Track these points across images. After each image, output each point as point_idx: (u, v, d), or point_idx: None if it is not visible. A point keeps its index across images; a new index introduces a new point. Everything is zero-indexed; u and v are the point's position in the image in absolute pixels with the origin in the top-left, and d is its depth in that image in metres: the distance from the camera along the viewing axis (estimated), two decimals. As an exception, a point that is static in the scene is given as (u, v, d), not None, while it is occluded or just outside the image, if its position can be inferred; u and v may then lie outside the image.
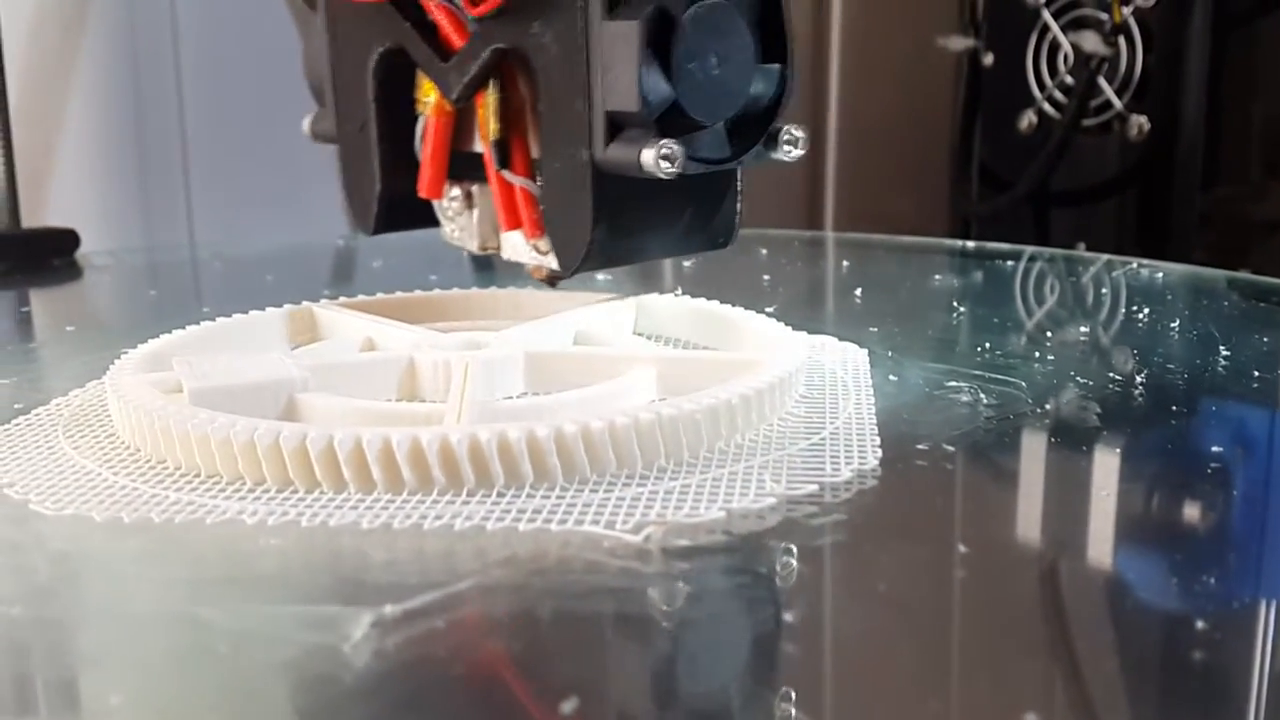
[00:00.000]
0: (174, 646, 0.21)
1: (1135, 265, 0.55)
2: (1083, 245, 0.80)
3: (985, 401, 0.33)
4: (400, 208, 0.37)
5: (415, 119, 0.35)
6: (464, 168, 0.35)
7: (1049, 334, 0.44)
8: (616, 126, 0.30)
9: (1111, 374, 0.37)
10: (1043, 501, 0.28)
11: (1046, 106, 0.83)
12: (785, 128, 0.32)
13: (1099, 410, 0.33)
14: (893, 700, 0.19)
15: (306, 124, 0.39)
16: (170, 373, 0.31)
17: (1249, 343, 0.41)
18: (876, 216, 0.96)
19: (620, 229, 0.32)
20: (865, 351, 0.37)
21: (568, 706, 0.18)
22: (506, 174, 0.33)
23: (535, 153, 0.33)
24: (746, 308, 0.38)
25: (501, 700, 0.19)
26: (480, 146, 0.34)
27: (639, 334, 0.39)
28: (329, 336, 0.37)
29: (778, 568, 0.23)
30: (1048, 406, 0.33)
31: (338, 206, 0.40)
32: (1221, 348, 0.39)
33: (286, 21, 0.69)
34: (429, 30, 0.34)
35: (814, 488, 0.26)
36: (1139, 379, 0.36)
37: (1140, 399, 0.34)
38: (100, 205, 0.76)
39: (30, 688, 0.20)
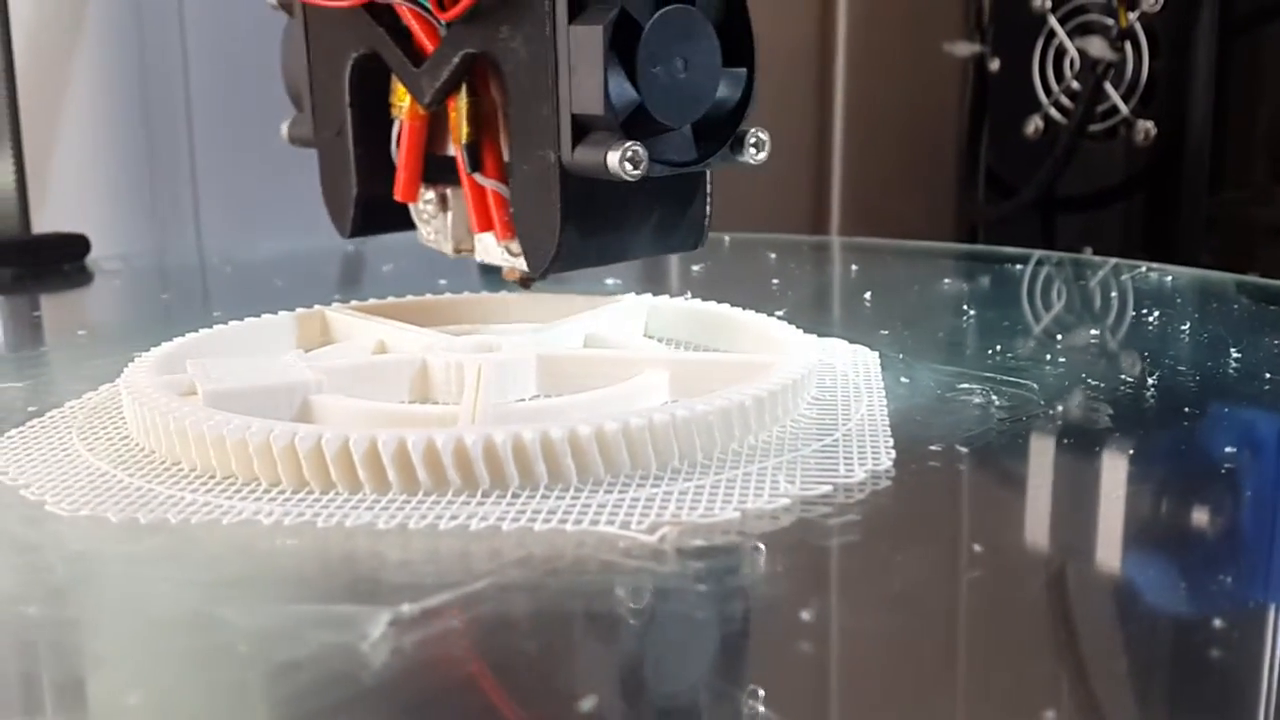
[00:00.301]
0: (192, 646, 0.21)
1: (1144, 269, 0.55)
2: (1089, 250, 0.80)
3: (997, 403, 0.33)
4: (376, 211, 0.37)
5: (391, 123, 0.36)
6: (439, 171, 0.36)
7: (1059, 337, 0.44)
8: (582, 129, 0.31)
9: (1123, 376, 0.37)
10: (1057, 502, 0.28)
11: (1053, 112, 0.83)
12: (751, 130, 0.33)
13: (1111, 412, 0.33)
14: (909, 700, 0.19)
15: (285, 129, 0.40)
16: (184, 375, 0.31)
17: (1260, 345, 0.41)
18: (883, 221, 0.96)
19: (589, 230, 0.32)
20: (876, 354, 0.37)
21: (584, 705, 0.18)
22: (478, 177, 0.33)
23: (507, 156, 0.33)
24: (756, 311, 0.38)
25: (518, 699, 0.19)
26: (454, 150, 0.34)
27: (649, 337, 0.39)
28: (341, 340, 0.37)
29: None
30: (1060, 408, 0.33)
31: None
32: (1232, 350, 0.39)
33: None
34: (402, 35, 0.34)
35: (828, 488, 0.26)
36: (1150, 381, 0.36)
37: (1152, 401, 0.34)
38: (110, 210, 0.76)
39: (48, 687, 0.20)
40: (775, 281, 0.55)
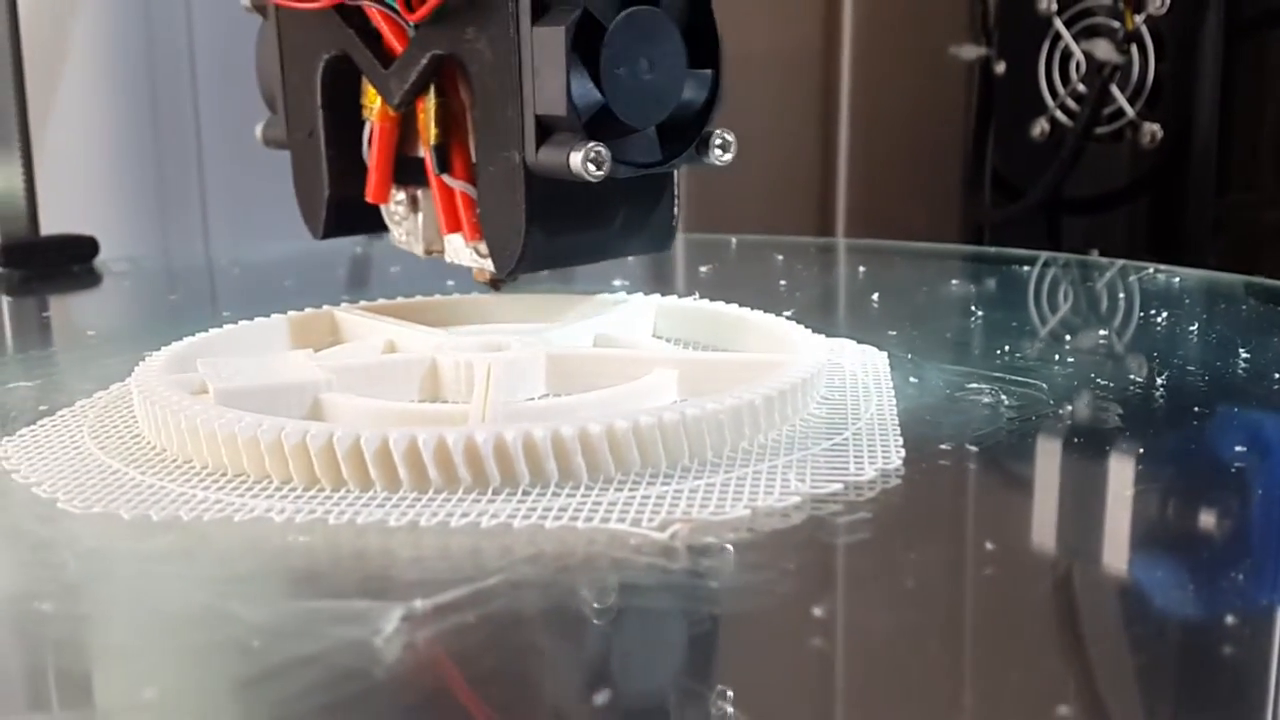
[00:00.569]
0: (205, 641, 0.21)
1: (1151, 270, 0.55)
2: (1096, 252, 0.80)
3: (1006, 403, 0.33)
4: (349, 212, 0.37)
5: (362, 124, 0.36)
6: (410, 172, 0.36)
7: (1068, 337, 0.44)
8: (546, 130, 0.31)
9: (1131, 376, 0.37)
10: (1066, 502, 0.28)
11: (1059, 114, 0.83)
12: (717, 132, 0.33)
13: (1120, 412, 0.33)
14: (920, 697, 0.19)
15: (259, 130, 0.40)
16: (195, 374, 0.31)
17: (1268, 345, 0.41)
18: (888, 223, 0.96)
19: (555, 231, 0.33)
20: (885, 354, 0.37)
21: (596, 700, 0.18)
22: (446, 178, 0.34)
23: (475, 157, 0.33)
24: (764, 312, 0.38)
25: (530, 694, 0.19)
26: (423, 151, 0.34)
27: (657, 337, 0.39)
28: (350, 339, 0.37)
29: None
30: (1069, 408, 0.33)
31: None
32: (1241, 350, 0.39)
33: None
34: (372, 37, 0.34)
35: (838, 486, 0.26)
36: (1159, 381, 0.36)
37: (1161, 401, 0.34)
38: (118, 212, 0.76)
39: (63, 683, 0.20)
40: (782, 283, 0.55)
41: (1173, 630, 0.22)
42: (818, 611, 0.21)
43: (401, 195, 0.37)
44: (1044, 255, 0.61)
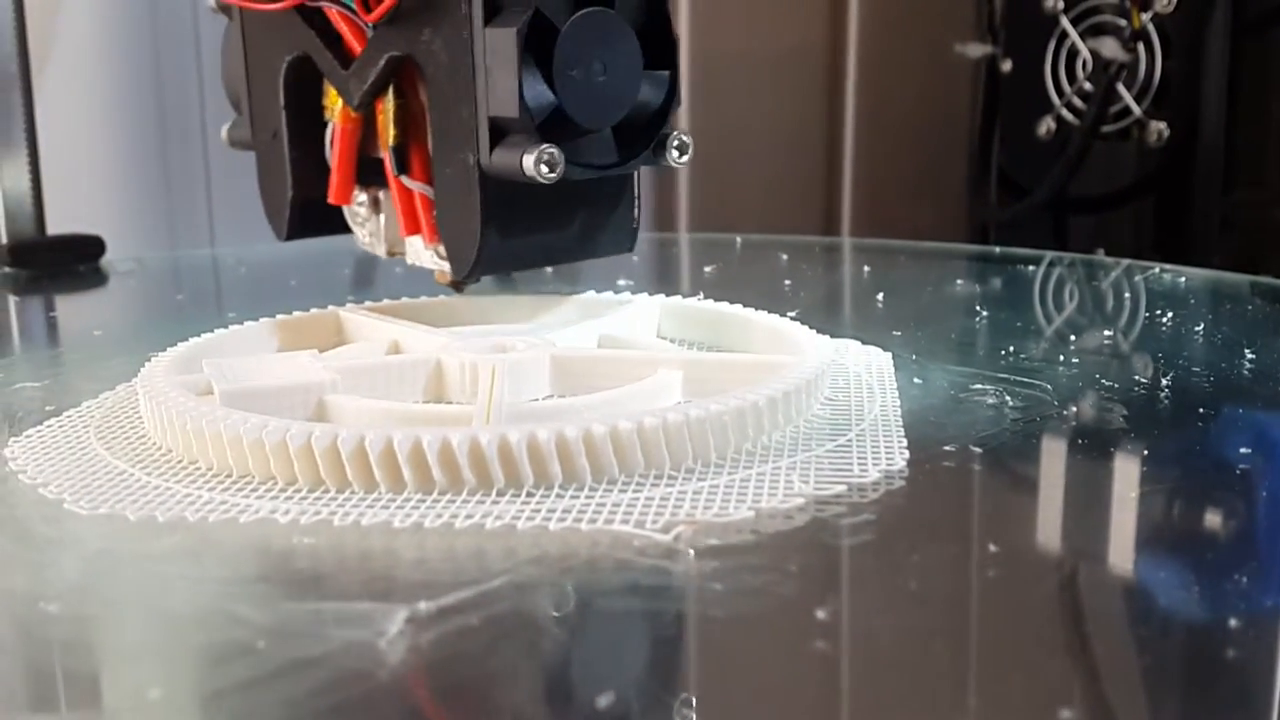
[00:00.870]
0: (210, 642, 0.21)
1: (1157, 270, 0.55)
2: (1101, 251, 0.80)
3: (1011, 404, 0.33)
4: (313, 213, 0.37)
5: (326, 126, 0.36)
6: (372, 174, 0.36)
7: (1073, 338, 0.44)
8: (500, 132, 0.31)
9: (1136, 377, 0.37)
10: (1071, 503, 0.28)
11: (1065, 113, 0.83)
12: (674, 133, 0.33)
13: (1125, 413, 0.33)
14: (924, 698, 0.19)
15: (224, 131, 0.40)
16: (201, 375, 0.31)
17: (1274, 346, 0.41)
18: (894, 222, 0.96)
19: (511, 233, 0.33)
20: (889, 355, 0.37)
21: (600, 702, 0.18)
22: (405, 179, 0.34)
23: (432, 159, 0.33)
24: (769, 312, 0.38)
25: (534, 696, 0.19)
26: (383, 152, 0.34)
27: (662, 337, 0.39)
28: (355, 340, 0.37)
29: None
30: (1073, 409, 0.33)
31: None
32: (1247, 351, 0.39)
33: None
34: (332, 38, 0.34)
35: (842, 488, 0.26)
36: (1164, 382, 0.36)
37: (1166, 402, 0.34)
38: (124, 212, 0.76)
39: (69, 683, 0.20)
40: (787, 282, 0.55)
41: (1177, 632, 0.22)
42: (821, 614, 0.21)
43: (364, 197, 0.37)
44: (1049, 255, 0.61)
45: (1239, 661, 0.20)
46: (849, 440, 0.29)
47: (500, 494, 0.26)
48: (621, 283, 0.50)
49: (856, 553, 0.24)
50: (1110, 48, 0.79)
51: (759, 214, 0.96)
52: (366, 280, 0.59)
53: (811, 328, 0.36)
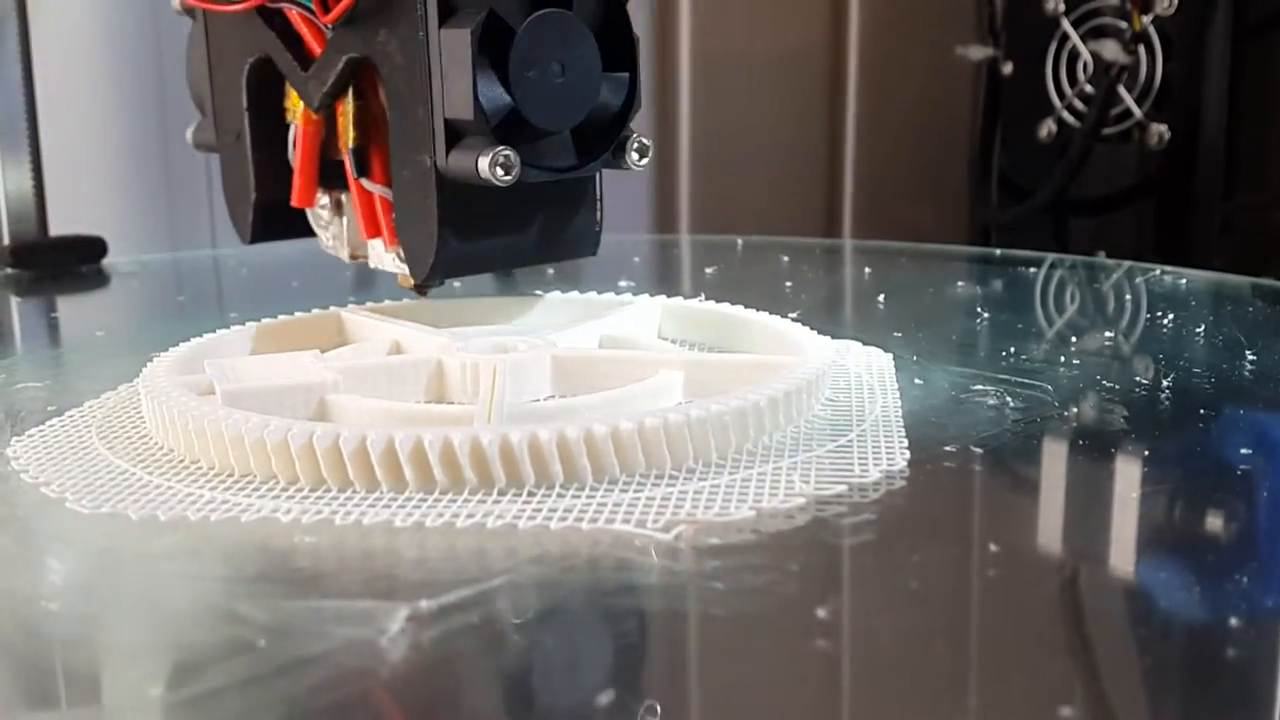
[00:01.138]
0: (211, 640, 0.21)
1: (1158, 272, 0.55)
2: (1102, 253, 0.80)
3: (1012, 405, 0.33)
4: (276, 217, 0.37)
5: (288, 127, 0.36)
6: (335, 176, 0.36)
7: (1074, 339, 0.44)
8: (456, 134, 0.30)
9: (1137, 378, 0.37)
10: (1071, 503, 0.28)
11: (1066, 115, 0.83)
12: (634, 136, 0.32)
13: (1126, 414, 0.33)
14: (925, 698, 0.19)
15: (189, 134, 0.40)
16: (202, 375, 0.31)
17: (1275, 348, 0.41)
18: (895, 224, 0.96)
19: (469, 236, 0.32)
20: (890, 356, 0.37)
21: (601, 700, 0.18)
22: (365, 182, 0.33)
23: (390, 161, 0.33)
24: (770, 314, 0.38)
25: (534, 695, 0.19)
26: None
27: (663, 338, 0.39)
28: (357, 340, 0.37)
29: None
30: (1074, 410, 0.33)
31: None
32: (1247, 353, 0.39)
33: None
34: (293, 39, 0.34)
35: (843, 488, 0.26)
36: (1165, 384, 0.36)
37: (1167, 403, 0.34)
38: (126, 213, 0.76)
39: (70, 681, 0.20)
40: (789, 284, 0.55)
41: (1178, 633, 0.22)
42: (822, 613, 0.21)
43: (326, 199, 0.37)
44: (1050, 257, 0.61)
45: (1239, 661, 0.20)
46: (850, 440, 0.29)
47: (501, 493, 0.26)
48: (623, 283, 0.50)
49: (857, 552, 0.24)
50: (1111, 50, 0.79)
51: (760, 215, 0.96)
52: (368, 281, 0.59)
53: (812, 329, 0.36)
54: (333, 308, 0.39)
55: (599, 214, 0.35)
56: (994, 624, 0.22)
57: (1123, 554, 0.25)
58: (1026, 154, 0.86)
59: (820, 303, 0.52)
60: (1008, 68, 0.88)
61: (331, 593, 0.22)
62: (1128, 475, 0.29)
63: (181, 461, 0.28)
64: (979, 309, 0.50)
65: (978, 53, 0.92)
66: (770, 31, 0.94)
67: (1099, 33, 0.81)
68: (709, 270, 0.58)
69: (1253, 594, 0.22)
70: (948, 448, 0.29)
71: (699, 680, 0.20)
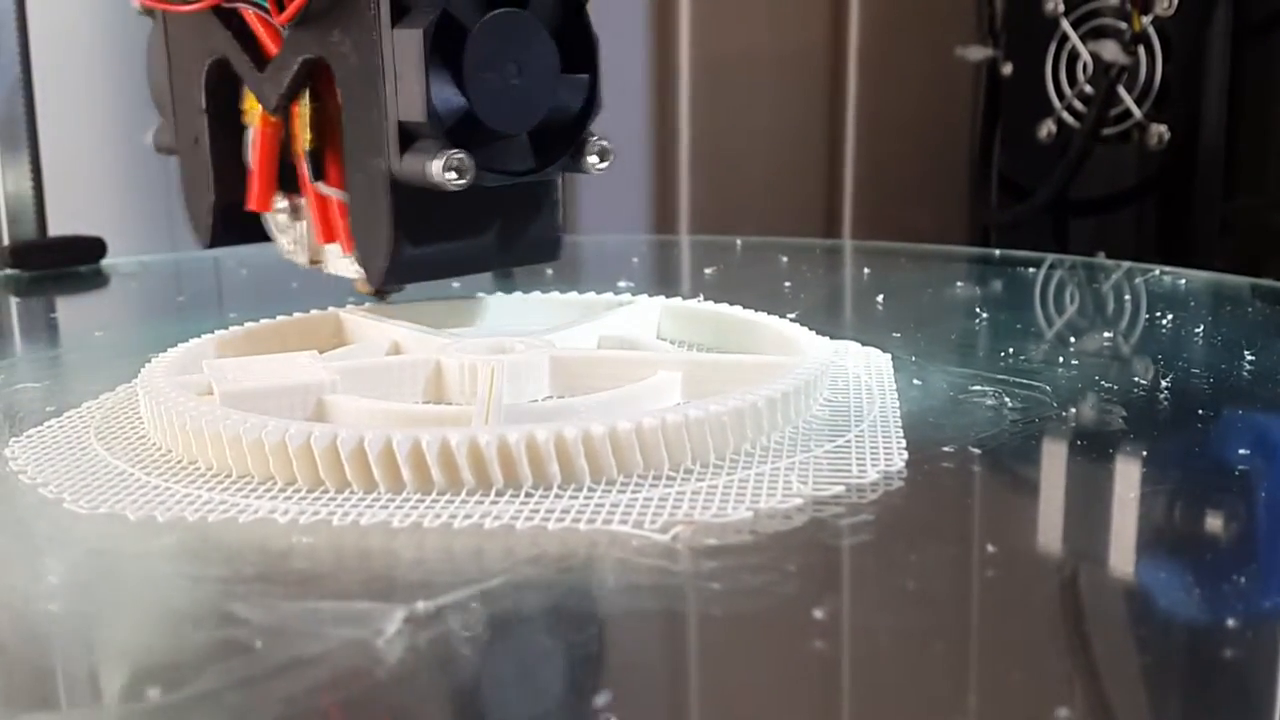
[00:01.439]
0: (210, 640, 0.21)
1: (1158, 272, 0.55)
2: (1102, 254, 0.80)
3: (1010, 405, 0.33)
4: (235, 220, 0.37)
5: (246, 130, 0.35)
6: (294, 179, 0.35)
7: (1072, 340, 0.44)
8: (409, 136, 0.30)
9: (1136, 379, 0.37)
10: (1069, 504, 0.28)
11: (1066, 116, 0.83)
12: (594, 139, 0.32)
13: (1124, 414, 0.33)
14: (922, 699, 0.19)
15: (149, 136, 0.39)
16: (201, 376, 0.31)
17: (1274, 348, 0.41)
18: (894, 225, 0.96)
19: (425, 241, 0.32)
20: (889, 356, 0.37)
21: (598, 701, 0.18)
22: (320, 185, 0.33)
23: (345, 164, 0.33)
24: (768, 314, 0.38)
25: (532, 696, 0.19)
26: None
27: (662, 338, 0.39)
28: (356, 341, 0.37)
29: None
30: (1073, 411, 0.33)
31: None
32: (1246, 353, 0.39)
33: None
34: (249, 40, 0.34)
35: (841, 489, 0.26)
36: (1164, 384, 0.36)
37: (1165, 404, 0.34)
38: (126, 213, 0.76)
39: (69, 682, 0.20)
40: (788, 284, 0.55)
41: (1177, 633, 0.22)
42: (819, 613, 0.21)
43: (285, 203, 0.36)
44: (1050, 257, 0.61)
45: (1239, 661, 0.20)
46: (848, 441, 0.29)
47: (499, 494, 0.26)
48: (622, 284, 0.50)
49: (855, 553, 0.24)
50: (1111, 51, 0.79)
51: (759, 216, 0.96)
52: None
53: (811, 329, 0.36)
54: (331, 308, 0.39)
55: (560, 218, 0.34)
56: (992, 624, 0.22)
57: (1121, 554, 0.25)
58: (1026, 154, 0.86)
59: (819, 303, 0.52)
60: (1007, 68, 0.88)
61: (329, 594, 0.22)
62: (1126, 476, 0.29)
63: (179, 462, 0.28)
64: (978, 309, 0.50)
65: (977, 53, 0.92)
66: (770, 32, 0.94)
67: (1099, 33, 0.81)
68: (708, 270, 0.58)
69: (1251, 594, 0.22)
70: (946, 448, 0.29)
71: (697, 681, 0.20)
